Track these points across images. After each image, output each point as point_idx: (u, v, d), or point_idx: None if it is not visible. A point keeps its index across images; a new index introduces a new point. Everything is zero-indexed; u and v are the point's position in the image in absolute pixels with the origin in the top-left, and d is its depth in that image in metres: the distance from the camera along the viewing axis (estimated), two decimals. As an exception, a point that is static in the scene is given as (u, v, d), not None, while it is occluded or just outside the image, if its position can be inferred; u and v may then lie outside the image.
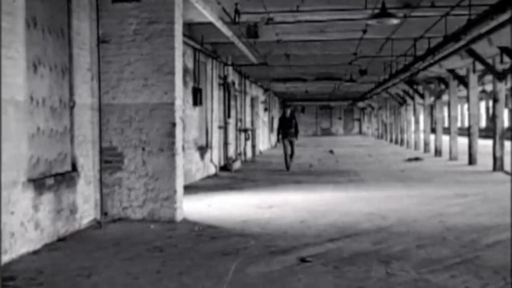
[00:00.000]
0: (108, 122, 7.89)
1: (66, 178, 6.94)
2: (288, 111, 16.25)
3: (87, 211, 7.53)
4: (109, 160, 7.88)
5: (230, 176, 14.37)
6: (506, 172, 14.27)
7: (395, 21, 9.39)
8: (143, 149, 7.84)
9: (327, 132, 56.34)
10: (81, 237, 6.85)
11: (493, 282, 4.75)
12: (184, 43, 10.92)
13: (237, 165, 16.71)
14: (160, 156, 7.81)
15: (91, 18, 7.74)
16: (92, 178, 7.75)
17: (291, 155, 15.97)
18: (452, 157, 19.30)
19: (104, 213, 7.82)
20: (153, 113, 7.82)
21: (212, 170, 14.83)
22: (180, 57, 8.12)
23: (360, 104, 50.19)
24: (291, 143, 15.94)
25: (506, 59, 14.60)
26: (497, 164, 14.92)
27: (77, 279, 4.97)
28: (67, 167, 7.14)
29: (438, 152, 21.66)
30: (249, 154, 21.01)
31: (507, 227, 7.13)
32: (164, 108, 7.81)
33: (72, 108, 7.22)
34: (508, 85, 25.39)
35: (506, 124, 35.08)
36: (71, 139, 7.21)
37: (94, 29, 7.78)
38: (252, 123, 23.76)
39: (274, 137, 33.83)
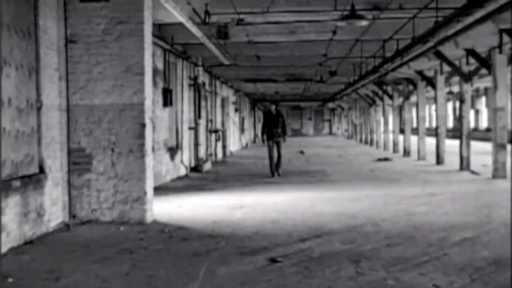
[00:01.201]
0: (77, 123, 7.78)
1: (33, 180, 6.82)
2: (274, 108, 14.45)
3: (55, 214, 7.41)
4: (78, 161, 7.78)
5: (200, 177, 14.32)
6: (472, 172, 14.54)
7: (364, 23, 9.50)
8: (113, 150, 7.75)
9: (297, 133, 56.62)
10: (49, 240, 6.74)
11: (459, 279, 4.84)
12: (154, 43, 10.85)
13: (207, 166, 16.66)
14: (129, 157, 7.74)
15: (58, 18, 7.62)
16: (60, 180, 7.63)
17: (278, 159, 14.22)
18: (420, 157, 19.59)
19: (72, 216, 7.71)
20: (123, 114, 7.74)
21: (183, 171, 14.76)
22: (150, 58, 8.06)
23: (330, 104, 50.60)
24: (278, 145, 14.23)
25: (472, 61, 14.89)
26: (464, 163, 15.19)
27: (45, 283, 4.89)
28: (34, 169, 7.01)
29: (406, 152, 21.96)
30: (220, 155, 20.98)
31: (473, 225, 7.27)
32: (134, 109, 7.74)
33: (39, 108, 7.10)
34: (474, 86, 25.88)
35: (472, 124, 35.80)
36: (38, 141, 7.09)
37: (62, 29, 7.67)
38: (223, 124, 23.73)
39: (245, 137, 33.83)
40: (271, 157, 14.16)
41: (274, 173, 14.11)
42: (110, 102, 7.75)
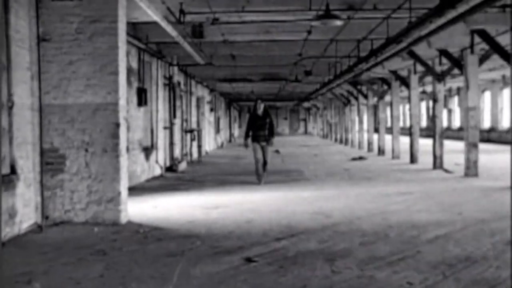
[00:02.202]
0: (49, 123, 7.67)
1: (4, 181, 6.70)
2: (262, 107, 12.50)
3: (27, 215, 7.29)
4: (51, 162, 7.67)
5: (176, 177, 14.26)
6: (445, 170, 14.74)
7: (338, 23, 9.55)
8: (86, 150, 7.67)
9: (273, 132, 56.62)
10: (20, 241, 6.63)
11: (432, 276, 4.90)
12: (128, 42, 10.76)
13: (183, 166, 16.58)
14: (103, 157, 7.66)
15: (30, 16, 7.50)
16: (33, 181, 7.52)
17: (264, 165, 12.42)
18: (394, 156, 19.79)
19: (45, 217, 7.60)
20: (96, 114, 7.66)
21: (158, 171, 14.67)
22: (124, 57, 7.99)
23: (306, 104, 50.81)
24: (264, 149, 12.37)
25: (444, 61, 15.10)
26: (437, 162, 15.40)
27: (16, 286, 4.81)
28: (6, 169, 6.90)
29: (381, 151, 22.17)
30: (195, 154, 20.90)
31: (446, 223, 7.37)
32: (108, 109, 7.67)
33: (10, 108, 6.98)
34: (447, 86, 26.24)
35: (445, 124, 36.30)
36: (9, 141, 6.97)
37: (34, 27, 7.55)
38: (198, 123, 23.65)
39: (221, 137, 33.79)
40: (257, 161, 12.27)
41: (262, 180, 12.37)
42: (84, 102, 7.67)
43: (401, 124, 36.54)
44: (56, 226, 7.48)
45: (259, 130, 12.32)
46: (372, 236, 6.61)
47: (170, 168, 15.69)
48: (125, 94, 7.99)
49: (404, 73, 19.14)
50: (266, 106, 12.66)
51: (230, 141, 40.96)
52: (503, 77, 27.99)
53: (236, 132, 50.05)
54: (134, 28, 12.28)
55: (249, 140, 12.49)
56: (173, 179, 13.73)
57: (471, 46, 12.67)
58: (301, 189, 11.33)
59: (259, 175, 12.35)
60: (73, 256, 5.80)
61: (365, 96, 25.89)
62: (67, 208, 7.66)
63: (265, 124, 12.37)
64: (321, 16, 9.26)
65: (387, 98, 23.63)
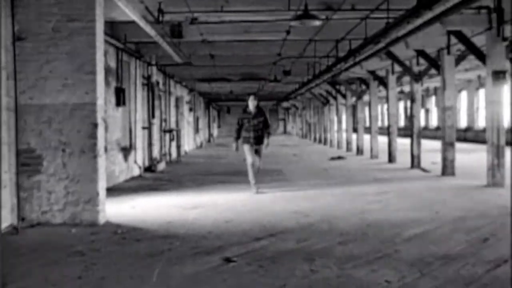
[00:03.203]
0: (26, 123, 7.58)
1: (-21, 182, 6.60)
2: (254, 104, 10.84)
3: (3, 217, 7.18)
4: (27, 162, 7.57)
5: (154, 177, 14.18)
6: (423, 169, 14.90)
7: (317, 23, 9.59)
8: (64, 150, 7.58)
9: (252, 132, 56.62)
10: (-4, 243, 6.53)
11: (410, 275, 4.95)
12: (106, 42, 10.68)
13: (161, 166, 16.50)
14: (81, 158, 7.59)
15: (5, 14, 7.40)
16: (9, 182, 7.41)
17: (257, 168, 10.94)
18: (373, 156, 19.95)
19: (21, 218, 7.50)
20: (74, 114, 7.58)
21: (136, 171, 14.58)
22: (102, 56, 7.93)
23: (285, 104, 50.94)
24: (257, 151, 10.90)
25: (422, 61, 15.26)
26: (415, 161, 15.55)
27: (-8, 288, 4.74)
28: (-19, 170, 6.79)
29: (360, 151, 22.33)
30: (174, 154, 20.82)
31: (423, 221, 7.45)
32: (85, 109, 7.60)
33: (-15, 108, 6.88)
34: (424, 86, 26.50)
35: (422, 123, 36.69)
36: (-15, 141, 6.87)
37: (9, 26, 7.45)
38: (177, 123, 23.55)
39: (200, 137, 33.68)
40: (251, 165, 10.80)
41: (257, 187, 10.79)
42: (61, 102, 7.58)
43: (379, 123, 36.82)
44: (33, 228, 7.39)
45: (252, 131, 10.70)
46: (350, 235, 6.65)
47: (149, 168, 15.61)
48: (103, 94, 7.93)
49: (382, 73, 19.30)
50: (259, 102, 10.98)
51: (209, 141, 40.88)
52: (479, 77, 28.39)
53: (215, 132, 49.96)
54: (112, 28, 12.19)
55: (240, 142, 10.97)
56: (152, 179, 13.66)
57: (448, 46, 12.82)
58: (280, 189, 11.36)
59: (254, 179, 10.80)
60: (50, 258, 5.74)
61: (344, 96, 26.04)
62: (44, 209, 7.57)
63: (259, 124, 10.74)
64: (299, 16, 9.29)
65: (366, 98, 23.79)
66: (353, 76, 21.73)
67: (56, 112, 7.59)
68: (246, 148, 10.84)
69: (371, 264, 5.32)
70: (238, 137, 10.96)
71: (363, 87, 22.82)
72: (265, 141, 10.92)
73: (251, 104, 10.86)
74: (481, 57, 11.31)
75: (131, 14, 9.36)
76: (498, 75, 10.81)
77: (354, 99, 25.05)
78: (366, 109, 31.29)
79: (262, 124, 10.85)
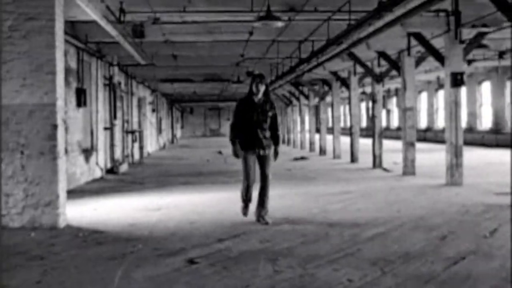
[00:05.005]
0: (-18, 125, 7.38)
1: None
2: (262, 89, 7.46)
3: (-41, 220, 6.99)
4: (-16, 165, 7.37)
5: (117, 179, 14.00)
6: (384, 169, 15.12)
7: (280, 24, 9.62)
8: (22, 152, 7.41)
9: (216, 133, 56.64)
10: (-48, 248, 6.35)
11: (372, 273, 5.02)
12: (67, 41, 10.50)
13: (124, 167, 16.31)
14: (40, 160, 7.43)
15: (-40, 13, 7.20)
16: (-36, 185, 7.21)
17: (263, 191, 7.57)
18: (335, 156, 20.14)
19: (-22, 222, 7.30)
20: (33, 115, 7.42)
21: (98, 173, 14.37)
22: (62, 56, 7.78)
23: (249, 105, 50.91)
24: (263, 162, 7.53)
25: (383, 62, 15.49)
26: (376, 161, 15.77)
27: None
28: None
29: (322, 151, 22.52)
30: (136, 156, 20.60)
31: (385, 221, 7.56)
32: (45, 110, 7.44)
33: None
34: (386, 87, 26.90)
35: (384, 124, 37.22)
36: None
37: (-35, 25, 7.25)
38: (140, 124, 23.32)
39: (163, 138, 33.38)
40: (248, 180, 7.49)
41: (262, 217, 7.55)
42: (19, 103, 7.41)
43: (342, 124, 37.22)
44: (-10, 232, 7.20)
45: (257, 128, 7.44)
46: (313, 235, 6.70)
47: (111, 170, 15.40)
48: (63, 95, 7.78)
49: (344, 74, 19.52)
50: (268, 87, 7.64)
51: (172, 142, 40.60)
52: (438, 78, 28.99)
53: (178, 133, 49.67)
54: (73, 27, 11.99)
55: (238, 145, 7.52)
56: (114, 181, 13.48)
57: (408, 48, 13.05)
58: (244, 190, 11.34)
59: (246, 201, 7.67)
60: (8, 263, 5.59)
61: (307, 97, 26.23)
62: (1, 213, 7.38)
63: (266, 119, 7.49)
64: (262, 17, 9.31)
65: (328, 98, 24.06)
66: (316, 77, 21.90)
67: (14, 113, 7.41)
68: (248, 157, 7.44)
69: (333, 263, 5.37)
70: (236, 136, 7.54)
71: (326, 88, 23.03)
72: (277, 150, 7.69)
73: (259, 88, 7.43)
74: (440, 59, 11.55)
75: (92, 13, 9.22)
76: (456, 76, 11.06)
77: (317, 100, 25.26)
78: (329, 110, 31.64)
79: (271, 120, 7.56)
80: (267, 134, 7.54)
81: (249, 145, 7.45)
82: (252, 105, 7.47)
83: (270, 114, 7.52)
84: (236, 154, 7.57)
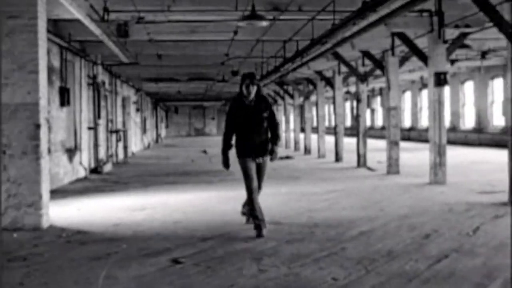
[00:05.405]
0: (-37, 124, 7.29)
1: None
2: (255, 88, 6.81)
3: None
4: (-35, 165, 7.28)
5: (101, 179, 13.92)
6: (369, 168, 15.20)
7: (264, 23, 9.63)
8: (4, 152, 7.33)
9: (200, 132, 56.51)
10: None
11: (356, 271, 5.04)
12: (50, 40, 10.41)
13: (108, 167, 16.21)
14: (23, 159, 7.36)
15: None
16: None
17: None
18: (320, 155, 20.20)
19: (-41, 223, 7.21)
20: (15, 114, 7.35)
21: (82, 173, 14.26)
22: (45, 55, 7.71)
23: (233, 104, 50.86)
24: (260, 169, 6.98)
25: (367, 62, 15.56)
26: (361, 160, 15.85)
27: None
28: None
29: (307, 151, 22.58)
30: (121, 155, 20.49)
31: (369, 219, 7.60)
32: (27, 109, 7.37)
33: None
34: (370, 86, 27.02)
35: (368, 123, 37.40)
36: None
37: None
38: (124, 124, 23.18)
39: (147, 138, 33.23)
40: (250, 190, 6.82)
41: (264, 226, 6.75)
42: (1, 102, 7.31)
43: (326, 123, 37.31)
44: (-28, 233, 7.12)
45: (252, 132, 6.84)
46: (298, 234, 6.71)
47: (95, 170, 15.30)
48: (46, 94, 7.72)
49: (329, 73, 19.57)
50: (262, 88, 7.17)
51: (157, 141, 40.43)
52: (422, 78, 29.20)
53: (163, 132, 49.48)
54: (56, 26, 11.88)
55: (228, 157, 7.03)
56: (98, 181, 13.40)
57: (392, 48, 13.12)
58: (228, 189, 11.34)
59: (257, 219, 6.74)
60: (-9, 264, 5.54)
61: (291, 96, 26.27)
62: (-17, 213, 7.30)
63: (262, 121, 6.87)
64: (247, 17, 9.30)
65: (313, 98, 24.09)
66: (301, 77, 21.94)
67: (-4, 113, 7.33)
68: (246, 163, 6.83)
69: (318, 262, 5.38)
70: (228, 146, 7.00)
71: (311, 87, 23.08)
72: (273, 149, 6.98)
73: (250, 90, 6.79)
74: (424, 58, 11.63)
75: (75, 12, 9.15)
76: (439, 76, 11.14)
77: (301, 99, 25.31)
78: (314, 109, 31.67)
79: (268, 121, 6.94)
80: (264, 137, 6.88)
81: (246, 150, 6.82)
82: (244, 109, 6.82)
83: (265, 114, 6.86)
84: (225, 165, 7.03)
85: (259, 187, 6.97)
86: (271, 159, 7.01)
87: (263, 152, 6.88)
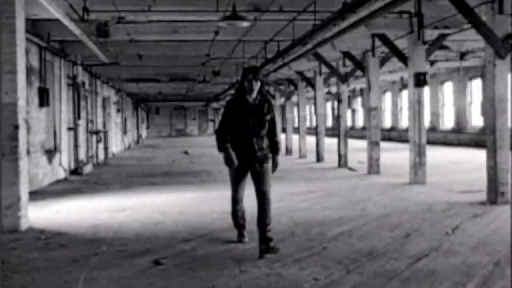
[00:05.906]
0: None
1: None
2: (257, 87, 5.92)
3: None
4: None
5: (81, 180, 13.79)
6: (350, 168, 15.27)
7: (245, 24, 9.63)
8: (-18, 153, 7.23)
9: (182, 133, 56.31)
10: None
11: (337, 271, 5.06)
12: (28, 40, 10.29)
13: (88, 168, 16.07)
14: (1, 161, 7.25)
15: None
16: None
17: (263, 206, 6.15)
18: (301, 155, 20.26)
19: None
20: (-7, 115, 7.25)
21: (62, 174, 14.12)
22: (23, 55, 7.62)
23: (215, 105, 50.85)
24: (260, 178, 6.07)
25: (348, 63, 15.64)
26: (342, 160, 15.92)
27: None
28: None
29: (288, 151, 22.62)
30: (101, 156, 20.33)
31: (350, 219, 7.63)
32: (6, 110, 7.27)
33: None
34: (351, 87, 27.19)
35: (349, 123, 37.60)
36: None
37: None
38: (104, 124, 23.01)
39: (128, 139, 33.03)
40: (234, 199, 6.49)
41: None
42: (-22, 102, 7.23)
43: (307, 124, 37.44)
44: (-51, 235, 7.00)
45: (252, 137, 5.97)
46: (279, 235, 6.71)
47: (75, 171, 15.16)
48: (24, 94, 7.62)
49: (310, 74, 19.63)
50: (265, 86, 6.18)
51: (138, 142, 40.18)
52: (402, 79, 29.43)
53: (144, 133, 49.21)
54: (34, 25, 11.74)
55: (230, 152, 6.00)
56: (78, 182, 13.27)
57: (372, 49, 13.22)
58: (209, 190, 11.31)
59: (238, 226, 6.48)
60: (-32, 266, 5.46)
61: (273, 97, 26.30)
62: (-40, 215, 7.19)
63: (263, 124, 6.02)
64: (227, 17, 9.29)
65: (294, 98, 24.14)
66: (282, 77, 21.99)
67: (-27, 113, 7.22)
68: (235, 173, 6.24)
69: (299, 262, 5.39)
70: (224, 142, 6.01)
71: (292, 87, 23.14)
72: (276, 161, 6.17)
73: (253, 86, 5.91)
74: (404, 59, 11.72)
75: (54, 11, 9.05)
76: (419, 76, 11.24)
77: (282, 99, 25.36)
78: (295, 110, 31.75)
79: (269, 123, 6.09)
80: (264, 143, 6.03)
81: (240, 159, 5.98)
82: (246, 107, 5.92)
83: (268, 117, 6.00)
84: (229, 163, 6.03)
85: (263, 192, 6.08)
86: (273, 171, 6.16)
87: (262, 159, 6.00)
